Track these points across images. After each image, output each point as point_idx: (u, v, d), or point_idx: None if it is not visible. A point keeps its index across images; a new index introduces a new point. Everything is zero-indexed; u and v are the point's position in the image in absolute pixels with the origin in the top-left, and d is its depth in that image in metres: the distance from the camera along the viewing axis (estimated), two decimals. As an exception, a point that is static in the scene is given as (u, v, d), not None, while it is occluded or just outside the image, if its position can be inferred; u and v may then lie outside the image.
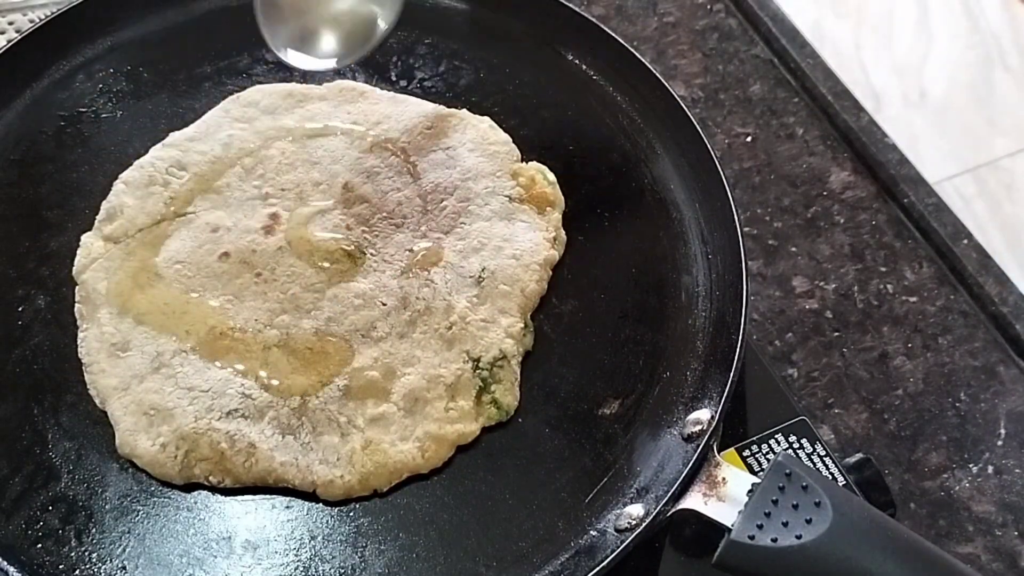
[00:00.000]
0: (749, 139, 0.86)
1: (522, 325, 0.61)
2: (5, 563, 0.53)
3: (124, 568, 0.53)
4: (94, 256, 0.62)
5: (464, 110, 0.69)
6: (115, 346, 0.59)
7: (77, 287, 0.61)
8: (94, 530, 0.54)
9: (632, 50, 0.71)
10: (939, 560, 0.50)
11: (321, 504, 0.56)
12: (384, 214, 0.64)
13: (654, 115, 0.70)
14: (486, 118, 0.69)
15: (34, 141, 0.68)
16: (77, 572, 0.53)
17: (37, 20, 0.74)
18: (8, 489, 0.55)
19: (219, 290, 0.61)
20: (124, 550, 0.54)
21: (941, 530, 0.68)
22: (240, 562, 0.54)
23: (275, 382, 0.58)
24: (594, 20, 0.72)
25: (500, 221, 0.65)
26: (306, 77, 0.71)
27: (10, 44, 0.69)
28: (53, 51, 0.70)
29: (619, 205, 0.67)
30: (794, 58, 0.89)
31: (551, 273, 0.64)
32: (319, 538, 0.55)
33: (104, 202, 0.64)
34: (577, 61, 0.73)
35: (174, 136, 0.67)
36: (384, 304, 0.61)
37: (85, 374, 0.59)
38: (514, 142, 0.69)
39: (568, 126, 0.71)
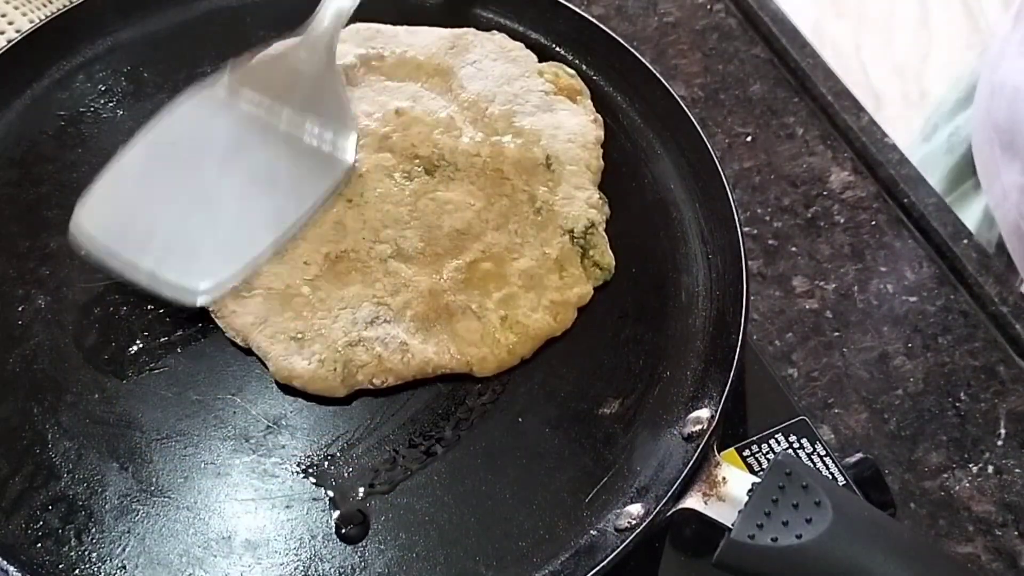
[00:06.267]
0: (749, 139, 0.86)
1: (598, 196, 0.65)
2: (5, 563, 0.53)
3: (124, 567, 0.53)
4: None
5: (472, 28, 0.72)
6: (238, 288, 0.60)
7: None
8: (94, 530, 0.54)
9: (632, 50, 0.71)
10: (939, 560, 0.50)
11: (321, 504, 0.56)
12: (441, 129, 0.66)
13: (654, 115, 0.70)
14: (495, 32, 0.72)
15: (34, 141, 0.68)
16: (77, 572, 0.53)
17: (37, 20, 0.74)
18: (8, 489, 0.55)
19: (318, 224, 0.62)
20: (124, 549, 0.54)
21: (941, 530, 0.68)
22: (240, 562, 0.54)
23: (402, 287, 0.60)
24: (594, 20, 0.72)
25: (544, 113, 0.68)
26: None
27: (10, 44, 0.69)
28: (53, 51, 0.70)
29: (619, 205, 0.67)
30: (794, 58, 0.89)
31: (603, 150, 0.68)
32: (319, 538, 0.55)
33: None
34: (577, 61, 0.73)
35: (175, 136, 0.67)
36: (472, 204, 0.63)
37: (216, 320, 0.60)
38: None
39: (568, 126, 0.71)
